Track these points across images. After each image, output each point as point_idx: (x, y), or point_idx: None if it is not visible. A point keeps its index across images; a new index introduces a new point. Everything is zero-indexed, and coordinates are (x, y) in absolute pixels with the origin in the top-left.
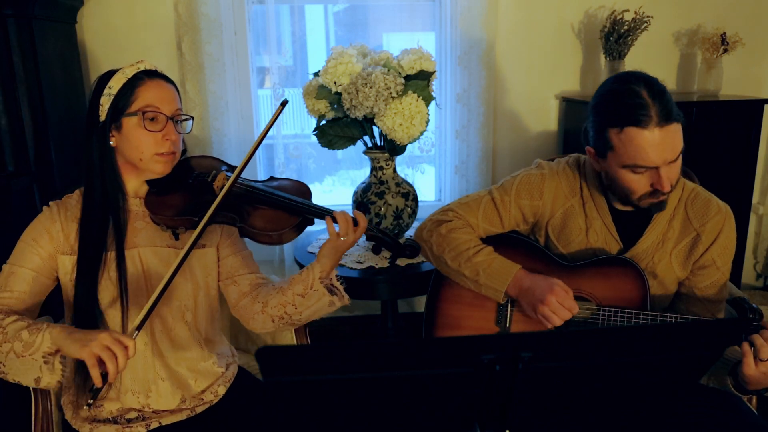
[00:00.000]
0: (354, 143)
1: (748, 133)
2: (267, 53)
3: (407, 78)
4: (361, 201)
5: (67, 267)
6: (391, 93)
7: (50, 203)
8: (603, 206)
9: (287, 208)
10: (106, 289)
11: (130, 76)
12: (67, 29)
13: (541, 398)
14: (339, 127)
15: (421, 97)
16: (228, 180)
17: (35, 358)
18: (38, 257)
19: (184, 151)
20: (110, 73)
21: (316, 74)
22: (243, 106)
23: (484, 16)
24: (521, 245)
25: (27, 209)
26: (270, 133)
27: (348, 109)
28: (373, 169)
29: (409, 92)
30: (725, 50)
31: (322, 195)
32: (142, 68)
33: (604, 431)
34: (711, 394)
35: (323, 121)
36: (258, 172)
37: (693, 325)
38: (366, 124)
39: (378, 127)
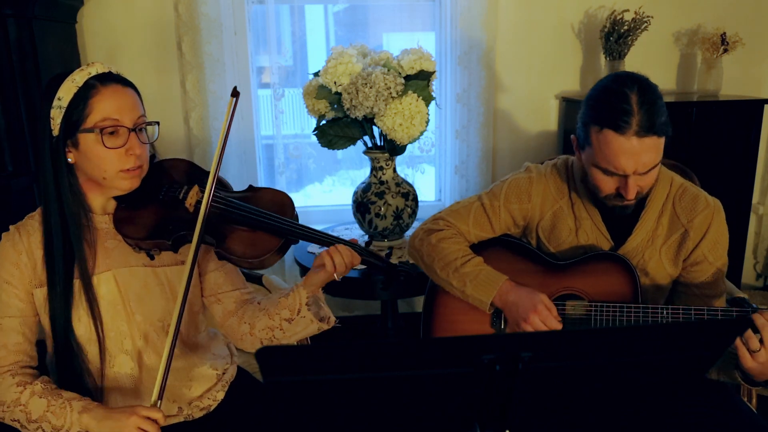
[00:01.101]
0: (354, 143)
1: (748, 133)
2: (267, 53)
3: (407, 78)
4: (361, 201)
5: (40, 300)
6: (391, 93)
7: (11, 228)
8: (592, 206)
9: (268, 228)
10: (81, 320)
11: (80, 85)
12: (67, 29)
13: (541, 398)
14: (339, 127)
15: (421, 97)
16: (201, 195)
17: None
18: (17, 299)
19: (153, 157)
20: (59, 79)
21: (316, 74)
22: (243, 106)
23: (484, 16)
24: (512, 247)
25: (27, 209)
26: (270, 133)
27: (348, 109)
28: (373, 169)
29: (409, 92)
30: (725, 50)
31: (322, 195)
32: (93, 73)
33: (604, 431)
34: (711, 394)
35: (323, 121)
36: (258, 173)
37: (693, 325)
38: (366, 124)
39: (378, 127)
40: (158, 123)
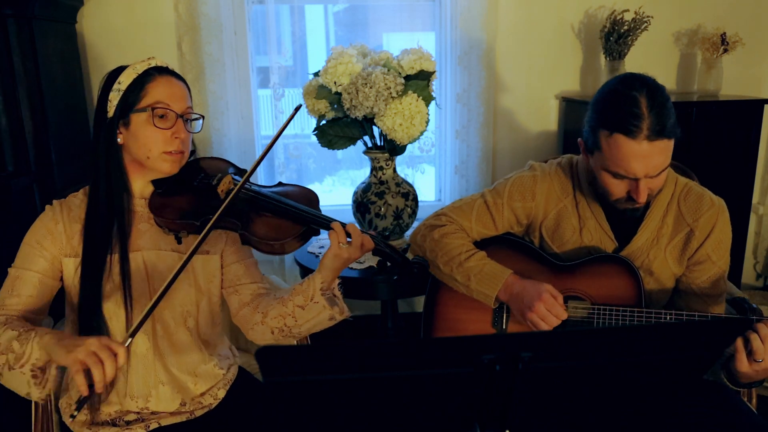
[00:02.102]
0: (354, 143)
1: (748, 133)
2: (267, 53)
3: (407, 78)
4: (361, 201)
5: (70, 270)
6: (391, 93)
7: (53, 202)
8: (596, 205)
9: (292, 216)
10: (110, 292)
11: (140, 72)
12: (67, 29)
13: (541, 398)
14: (339, 127)
15: (421, 97)
16: (234, 184)
17: (23, 372)
18: (43, 259)
19: (193, 152)
20: (120, 69)
21: (316, 74)
22: (243, 106)
23: (484, 16)
24: (515, 246)
25: (27, 209)
26: (270, 133)
27: (348, 109)
28: (373, 169)
29: (409, 92)
30: (725, 50)
31: (322, 195)
32: (153, 64)
33: (604, 431)
34: (711, 394)
35: (323, 121)
36: (258, 172)
37: (693, 325)
38: (366, 124)
39: (378, 127)
40: (203, 117)
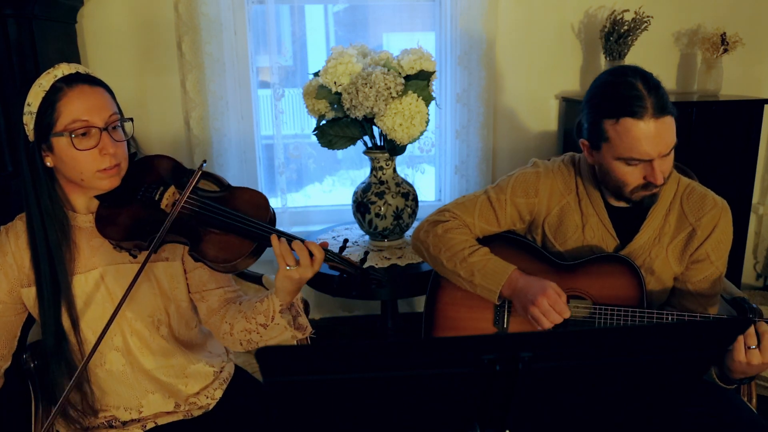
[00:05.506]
0: (354, 143)
1: (748, 133)
2: (267, 53)
3: (407, 78)
4: (361, 201)
5: (30, 300)
6: (391, 93)
7: (1, 229)
8: (599, 203)
9: (240, 231)
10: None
11: (47, 89)
12: (67, 29)
13: (541, 398)
14: (339, 127)
15: (421, 97)
16: (178, 196)
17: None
18: None
19: (134, 154)
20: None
21: (316, 74)
22: (243, 106)
23: (484, 16)
24: (517, 245)
25: None
26: (270, 133)
27: (348, 109)
28: (373, 169)
29: (409, 92)
30: (725, 50)
31: (322, 195)
32: (59, 75)
33: (604, 431)
34: (711, 393)
35: (323, 121)
36: (258, 173)
37: (694, 325)
38: (366, 124)
39: (378, 127)
40: (132, 119)
